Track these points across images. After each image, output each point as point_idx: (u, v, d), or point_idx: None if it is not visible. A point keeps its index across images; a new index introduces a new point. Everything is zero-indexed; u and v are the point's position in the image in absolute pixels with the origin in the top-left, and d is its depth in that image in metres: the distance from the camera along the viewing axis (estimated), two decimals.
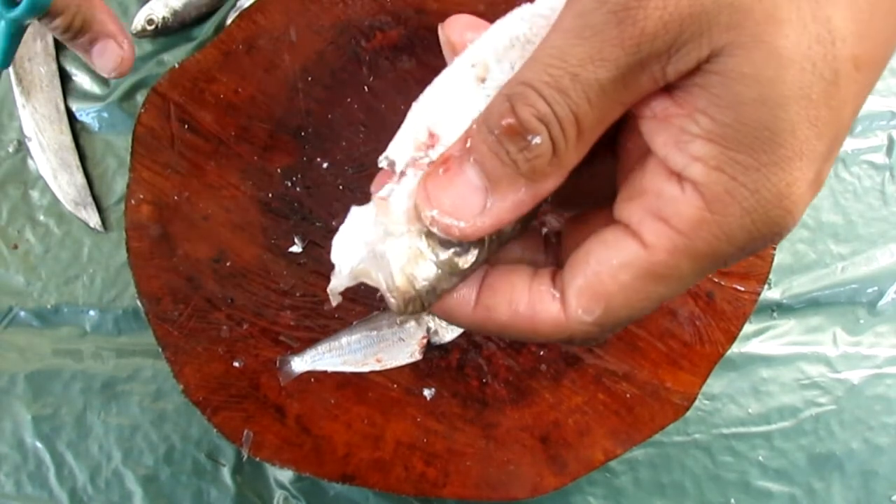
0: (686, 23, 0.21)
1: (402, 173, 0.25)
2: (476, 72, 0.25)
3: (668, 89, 0.23)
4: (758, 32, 0.21)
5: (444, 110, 0.25)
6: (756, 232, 0.23)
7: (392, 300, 0.25)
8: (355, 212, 0.26)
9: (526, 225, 0.27)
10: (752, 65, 0.21)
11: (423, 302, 0.25)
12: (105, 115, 0.60)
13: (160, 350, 0.50)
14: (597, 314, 0.24)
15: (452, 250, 0.25)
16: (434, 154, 0.25)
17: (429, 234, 0.25)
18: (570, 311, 0.25)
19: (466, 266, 0.25)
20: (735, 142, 0.22)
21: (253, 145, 0.51)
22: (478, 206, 0.24)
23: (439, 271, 0.25)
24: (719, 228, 0.23)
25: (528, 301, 0.26)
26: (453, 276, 0.25)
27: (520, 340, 0.49)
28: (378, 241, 0.25)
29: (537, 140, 0.23)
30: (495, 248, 0.26)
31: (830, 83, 0.22)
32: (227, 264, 0.51)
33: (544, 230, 0.29)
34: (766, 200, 0.23)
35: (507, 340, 0.51)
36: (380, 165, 0.26)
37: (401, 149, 0.25)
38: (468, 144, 0.24)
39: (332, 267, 0.27)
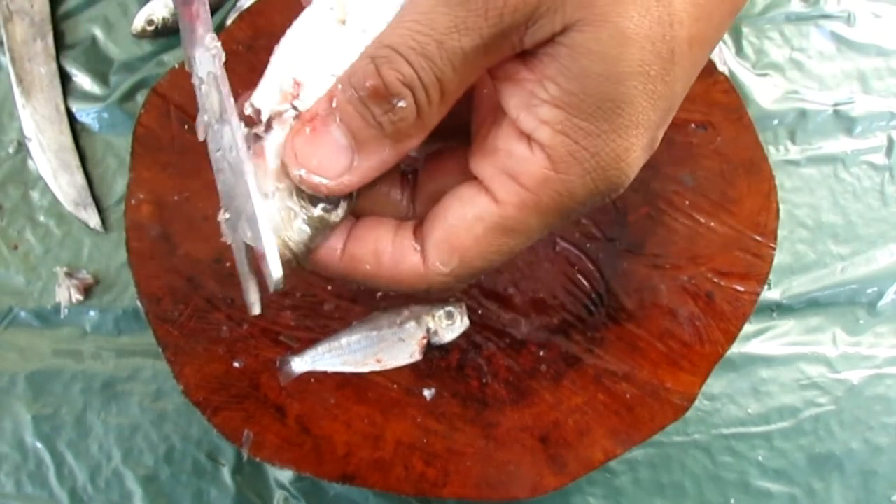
0: None
1: (269, 125, 0.26)
2: (335, 14, 0.26)
3: (523, 56, 0.25)
4: (606, 12, 0.23)
5: (307, 56, 0.26)
6: (595, 189, 0.26)
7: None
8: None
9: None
10: (599, 42, 0.23)
11: (300, 261, 0.26)
12: (105, 115, 0.60)
13: (160, 350, 0.50)
14: (453, 265, 0.26)
15: (322, 206, 0.26)
16: (299, 104, 0.26)
17: (299, 192, 0.25)
18: (429, 262, 0.27)
19: (337, 220, 0.26)
20: (579, 109, 0.24)
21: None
22: (344, 164, 0.25)
23: (311, 229, 0.26)
24: (563, 186, 0.25)
25: (392, 253, 0.27)
26: (325, 230, 0.26)
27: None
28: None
29: (402, 104, 0.24)
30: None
31: (667, 61, 0.24)
32: (228, 264, 0.51)
33: (402, 167, 0.30)
34: (605, 163, 0.25)
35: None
36: (245, 113, 0.26)
37: (266, 97, 0.26)
38: (334, 104, 0.25)
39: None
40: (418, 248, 0.27)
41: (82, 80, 0.60)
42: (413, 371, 0.51)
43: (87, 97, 0.60)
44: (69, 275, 0.58)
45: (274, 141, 0.26)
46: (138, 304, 0.50)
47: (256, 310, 0.28)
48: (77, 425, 0.57)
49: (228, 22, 0.58)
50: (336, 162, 0.25)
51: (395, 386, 0.51)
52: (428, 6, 0.23)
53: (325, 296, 0.51)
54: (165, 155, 0.50)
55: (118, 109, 0.60)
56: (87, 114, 0.60)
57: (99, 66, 0.61)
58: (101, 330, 0.58)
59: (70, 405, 0.57)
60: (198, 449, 0.57)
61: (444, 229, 0.27)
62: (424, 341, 0.50)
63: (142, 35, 0.59)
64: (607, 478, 0.56)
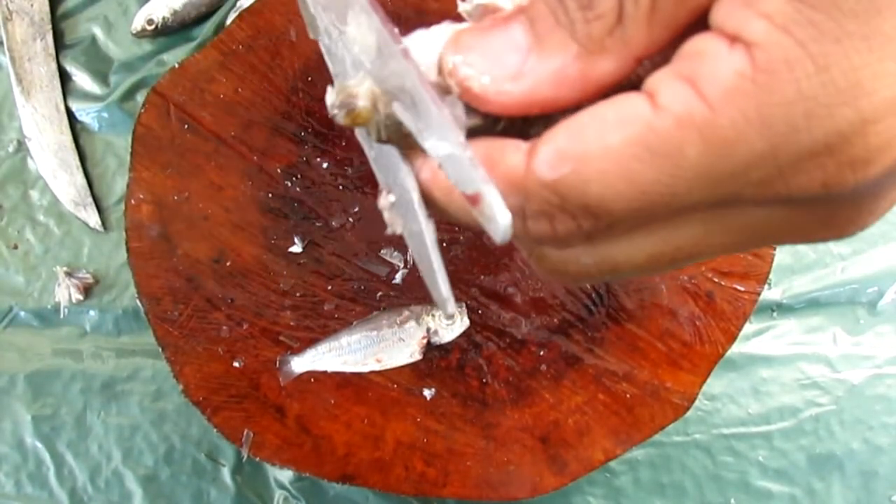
0: None
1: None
2: None
3: None
4: None
5: None
6: (801, 130, 0.16)
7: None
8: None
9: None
10: None
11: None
12: (105, 115, 0.60)
13: (160, 350, 0.50)
14: (561, 172, 0.18)
15: (476, 120, 0.20)
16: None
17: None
18: (532, 162, 0.19)
19: None
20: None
21: (253, 145, 0.51)
22: (513, 65, 0.19)
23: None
24: (756, 108, 0.17)
25: (486, 150, 0.20)
26: None
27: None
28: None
29: (605, 7, 0.18)
30: None
31: None
32: (227, 264, 0.51)
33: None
34: (835, 88, 0.16)
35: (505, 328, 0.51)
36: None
37: None
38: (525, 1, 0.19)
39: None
40: (524, 146, 0.19)
41: (82, 79, 0.60)
42: (413, 371, 0.51)
43: (87, 97, 0.60)
44: (69, 274, 0.58)
45: (439, 35, 0.20)
46: (138, 303, 0.50)
47: (452, 307, 0.21)
48: (77, 425, 0.57)
49: (228, 22, 0.58)
50: (504, 59, 0.19)
51: (395, 386, 0.51)
52: None
53: (325, 296, 0.51)
54: (165, 155, 0.50)
55: (118, 109, 0.59)
56: (86, 113, 0.60)
57: (99, 65, 0.61)
58: (100, 330, 0.58)
59: (70, 405, 0.57)
60: (198, 449, 0.56)
61: (569, 126, 0.18)
62: (424, 341, 0.50)
63: (142, 34, 0.59)
64: (607, 478, 0.56)
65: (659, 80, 0.18)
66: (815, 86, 0.16)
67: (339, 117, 0.20)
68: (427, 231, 0.20)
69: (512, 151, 0.19)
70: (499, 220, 0.18)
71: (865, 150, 0.16)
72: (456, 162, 0.18)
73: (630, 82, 0.19)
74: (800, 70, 0.16)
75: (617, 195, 0.18)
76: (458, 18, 0.22)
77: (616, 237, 0.20)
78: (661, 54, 0.19)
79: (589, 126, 0.18)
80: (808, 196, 0.18)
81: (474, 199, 0.18)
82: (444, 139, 0.18)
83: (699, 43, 0.18)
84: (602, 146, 0.18)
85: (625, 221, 0.19)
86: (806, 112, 0.16)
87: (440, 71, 0.19)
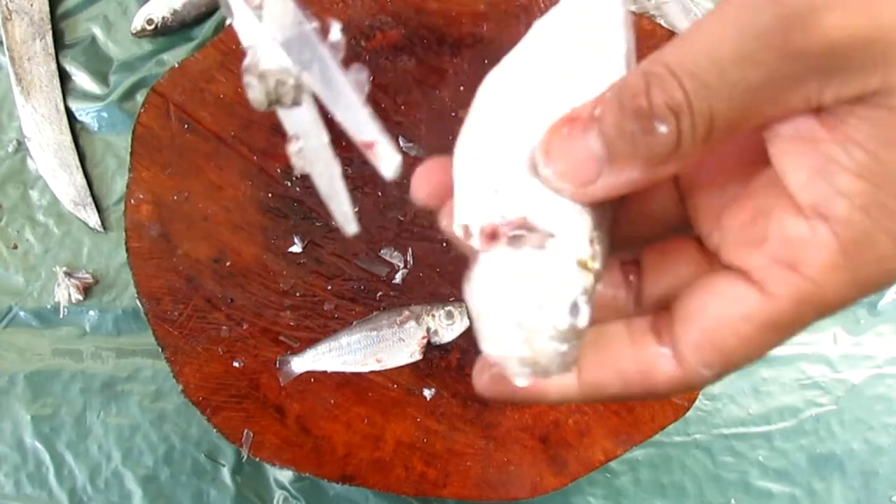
0: (860, 46, 0.20)
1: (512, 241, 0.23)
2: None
3: (818, 112, 0.21)
4: None
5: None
6: (885, 280, 0.22)
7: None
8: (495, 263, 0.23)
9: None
10: None
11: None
12: (105, 114, 0.60)
13: (160, 350, 0.50)
14: (716, 367, 0.23)
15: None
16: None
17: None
18: (687, 367, 0.24)
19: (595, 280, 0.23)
20: (887, 182, 0.20)
21: (253, 145, 0.51)
22: (592, 174, 0.23)
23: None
24: (852, 276, 0.21)
25: (638, 369, 0.25)
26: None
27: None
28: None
29: (663, 129, 0.21)
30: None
31: None
32: (227, 264, 0.51)
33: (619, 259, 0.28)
34: None
35: None
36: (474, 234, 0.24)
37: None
38: (597, 112, 0.22)
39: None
40: (667, 352, 0.24)
41: (82, 79, 0.60)
42: (413, 371, 0.51)
43: (87, 96, 0.60)
44: (69, 274, 0.58)
45: (552, 260, 0.23)
46: (138, 303, 0.50)
47: (353, 227, 0.26)
48: (76, 425, 0.57)
49: (228, 21, 0.58)
50: (585, 169, 0.23)
51: (395, 386, 0.51)
52: (716, 30, 0.21)
53: (325, 296, 0.51)
54: (165, 155, 0.50)
55: (118, 109, 0.59)
56: (86, 113, 0.60)
57: (98, 65, 0.60)
58: (100, 330, 0.58)
59: (69, 405, 0.57)
60: (197, 449, 0.56)
61: (703, 331, 0.23)
62: (424, 341, 0.50)
63: (141, 34, 0.59)
64: (607, 478, 0.56)
65: (761, 269, 0.22)
66: (890, 250, 0.21)
67: (259, 103, 0.24)
68: (335, 166, 0.26)
69: (661, 362, 0.24)
70: (389, 160, 0.24)
71: None
72: (355, 117, 0.24)
73: None
74: (878, 242, 0.21)
75: (755, 358, 0.24)
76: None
77: None
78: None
79: (721, 327, 0.23)
80: None
81: (369, 146, 0.25)
82: (348, 101, 0.24)
83: (778, 223, 0.22)
84: (740, 338, 0.23)
85: None
86: (887, 269, 0.21)
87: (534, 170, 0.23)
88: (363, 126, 0.25)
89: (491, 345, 0.23)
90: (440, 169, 0.25)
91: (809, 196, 0.21)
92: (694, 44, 0.21)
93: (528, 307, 0.22)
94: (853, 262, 0.21)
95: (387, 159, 0.25)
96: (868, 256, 0.21)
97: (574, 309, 0.22)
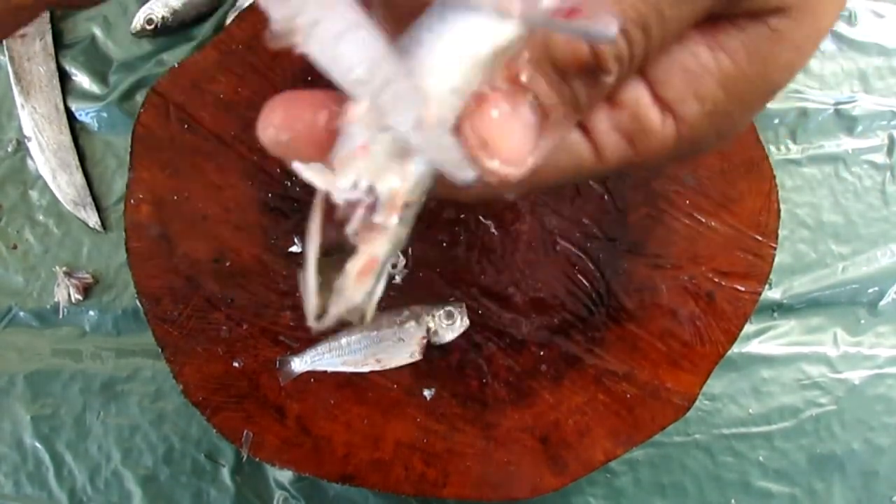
0: None
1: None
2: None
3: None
4: (816, 8, 0.21)
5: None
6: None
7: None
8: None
9: None
10: (799, 36, 0.21)
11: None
12: (104, 115, 0.60)
13: (160, 350, 0.50)
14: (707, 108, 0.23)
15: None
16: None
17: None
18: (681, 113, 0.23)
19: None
20: (742, 93, 0.22)
21: (253, 145, 0.51)
22: (530, 147, 0.21)
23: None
24: (673, 157, 0.24)
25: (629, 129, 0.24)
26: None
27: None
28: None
29: (609, 79, 0.20)
30: None
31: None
32: (227, 264, 0.51)
33: None
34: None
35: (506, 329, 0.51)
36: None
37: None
38: (524, 78, 0.20)
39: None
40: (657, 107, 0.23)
41: (81, 79, 0.60)
42: (413, 371, 0.51)
43: (87, 96, 0.60)
44: (68, 274, 0.58)
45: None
46: (138, 303, 0.50)
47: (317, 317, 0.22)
48: (76, 425, 0.57)
49: (228, 22, 0.58)
50: (525, 144, 0.20)
51: (395, 386, 0.51)
52: None
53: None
54: (165, 155, 0.50)
55: (117, 109, 0.59)
56: (86, 113, 0.60)
57: (98, 65, 0.60)
58: (100, 330, 0.58)
59: (69, 405, 0.57)
60: (197, 449, 0.56)
61: (682, 76, 0.22)
62: (424, 341, 0.50)
63: (141, 34, 0.59)
64: (608, 478, 0.56)
65: (603, 133, 0.22)
66: (710, 144, 0.24)
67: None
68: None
69: (653, 118, 0.23)
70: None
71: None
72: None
73: None
74: (708, 140, 0.23)
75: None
76: None
77: None
78: None
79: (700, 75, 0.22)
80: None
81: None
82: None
83: (641, 107, 0.22)
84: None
85: None
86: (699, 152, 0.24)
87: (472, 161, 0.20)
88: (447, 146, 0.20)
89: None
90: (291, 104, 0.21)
91: (669, 92, 0.22)
92: None
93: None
94: (678, 151, 0.23)
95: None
96: (693, 148, 0.23)
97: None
